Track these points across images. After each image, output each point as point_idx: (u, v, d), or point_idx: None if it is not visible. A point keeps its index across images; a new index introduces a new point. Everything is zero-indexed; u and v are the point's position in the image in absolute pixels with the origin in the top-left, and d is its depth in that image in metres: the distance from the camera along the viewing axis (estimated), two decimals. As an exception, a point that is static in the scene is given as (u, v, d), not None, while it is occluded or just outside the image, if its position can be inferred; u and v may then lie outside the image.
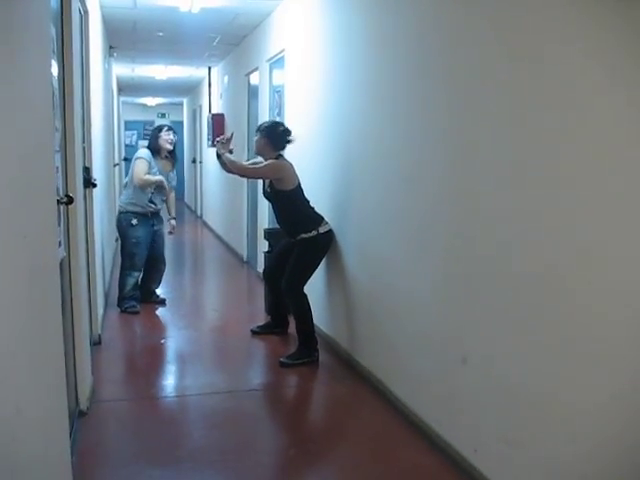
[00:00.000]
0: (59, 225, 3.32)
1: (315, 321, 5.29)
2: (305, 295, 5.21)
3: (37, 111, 2.63)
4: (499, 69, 3.08)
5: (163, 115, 22.05)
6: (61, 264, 3.52)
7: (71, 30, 3.85)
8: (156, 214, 6.89)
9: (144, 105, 20.95)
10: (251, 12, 7.65)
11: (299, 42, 6.54)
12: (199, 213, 16.13)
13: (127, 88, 16.21)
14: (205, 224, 14.58)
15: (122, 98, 17.73)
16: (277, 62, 7.65)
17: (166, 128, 6.91)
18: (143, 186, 6.59)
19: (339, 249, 5.30)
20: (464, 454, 3.39)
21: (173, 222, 7.24)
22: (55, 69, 3.40)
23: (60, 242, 3.36)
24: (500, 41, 3.08)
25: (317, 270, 5.34)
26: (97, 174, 5.96)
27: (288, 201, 5.28)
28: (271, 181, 5.30)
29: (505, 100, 3.04)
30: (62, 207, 3.42)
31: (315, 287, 5.47)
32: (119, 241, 6.78)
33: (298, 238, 5.25)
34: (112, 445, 3.91)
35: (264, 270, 6.00)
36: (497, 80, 3.10)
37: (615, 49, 2.39)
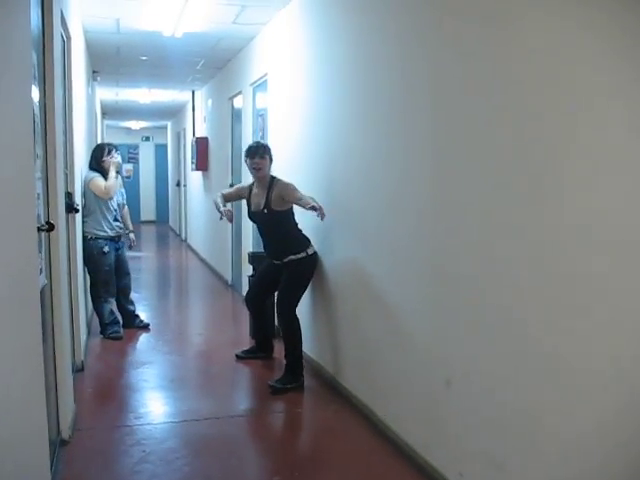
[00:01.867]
0: (40, 252, 3.29)
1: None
2: (297, 318, 5.20)
3: (17, 138, 2.61)
4: (482, 84, 3.09)
5: (147, 138, 22.07)
6: (42, 292, 3.48)
7: (53, 56, 3.84)
8: (119, 237, 6.87)
9: (128, 129, 20.94)
10: (234, 36, 7.67)
11: (282, 66, 6.57)
12: (183, 237, 16.08)
13: (111, 112, 16.20)
14: (190, 247, 14.53)
15: (106, 122, 17.72)
16: (260, 86, 7.67)
17: (109, 151, 6.75)
18: (110, 193, 6.55)
19: (323, 271, 5.29)
20: (449, 478, 3.37)
21: (132, 235, 7.21)
22: (36, 95, 3.38)
23: (41, 269, 3.33)
24: (485, 56, 3.09)
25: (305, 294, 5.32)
26: (80, 199, 5.94)
27: (284, 221, 5.26)
28: (269, 202, 5.22)
29: (490, 115, 3.05)
30: (43, 234, 3.38)
31: (299, 311, 5.45)
32: (86, 268, 6.57)
33: (286, 260, 5.22)
34: (95, 475, 3.83)
35: (246, 295, 5.94)
36: (480, 95, 3.11)
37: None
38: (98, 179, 6.56)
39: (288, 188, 5.17)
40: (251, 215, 5.50)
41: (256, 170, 5.29)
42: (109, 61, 9.28)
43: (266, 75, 7.23)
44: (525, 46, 2.76)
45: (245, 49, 8.29)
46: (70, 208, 5.05)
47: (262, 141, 5.76)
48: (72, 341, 5.16)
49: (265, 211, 5.25)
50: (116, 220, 6.72)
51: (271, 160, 5.37)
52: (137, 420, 4.55)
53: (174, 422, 4.57)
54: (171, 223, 19.75)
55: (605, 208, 2.35)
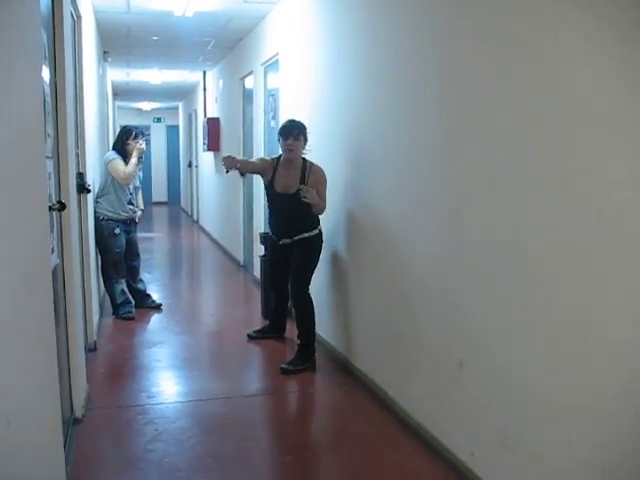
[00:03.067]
0: (52, 232, 3.30)
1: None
2: (311, 298, 5.19)
3: (27, 117, 2.60)
4: (485, 57, 3.06)
5: (159, 119, 22.07)
6: (55, 271, 3.49)
7: (63, 35, 3.82)
8: (133, 220, 6.87)
9: (140, 110, 20.93)
10: (245, 16, 7.63)
11: (293, 45, 6.53)
12: (195, 218, 16.09)
13: (122, 93, 16.17)
14: (201, 229, 14.55)
15: (117, 103, 17.70)
16: (271, 66, 7.63)
17: (135, 135, 6.73)
18: (128, 180, 6.56)
19: (337, 252, 5.28)
20: (461, 457, 3.37)
21: (139, 213, 7.09)
22: (47, 74, 3.37)
23: (53, 249, 3.34)
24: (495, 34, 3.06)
25: (315, 274, 5.31)
26: (91, 179, 5.94)
27: (305, 203, 5.10)
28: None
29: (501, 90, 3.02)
30: (55, 213, 3.38)
31: (314, 291, 5.44)
32: (97, 249, 6.57)
33: (297, 238, 5.17)
34: (108, 453, 3.88)
35: (270, 279, 5.81)
36: (488, 72, 3.08)
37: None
38: (118, 162, 6.56)
39: (322, 181, 5.13)
40: (274, 196, 5.30)
41: (289, 152, 5.15)
42: (120, 41, 9.26)
43: (277, 55, 7.19)
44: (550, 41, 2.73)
45: (256, 28, 8.25)
46: (82, 188, 5.04)
47: (297, 119, 5.41)
48: (85, 321, 5.19)
49: (293, 192, 5.10)
50: (130, 203, 6.73)
51: (306, 141, 5.20)
52: (149, 399, 4.57)
53: (186, 401, 4.58)
54: (183, 204, 19.77)
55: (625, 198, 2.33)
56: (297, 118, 5.44)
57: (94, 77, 7.25)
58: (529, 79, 2.79)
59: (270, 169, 5.31)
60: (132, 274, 6.99)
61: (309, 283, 5.20)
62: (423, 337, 3.84)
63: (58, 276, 3.68)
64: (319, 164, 5.17)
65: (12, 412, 2.06)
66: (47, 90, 3.30)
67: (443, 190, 3.57)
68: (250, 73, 8.76)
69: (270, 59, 7.60)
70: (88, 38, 6.43)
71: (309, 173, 5.12)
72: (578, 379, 2.54)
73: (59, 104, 3.77)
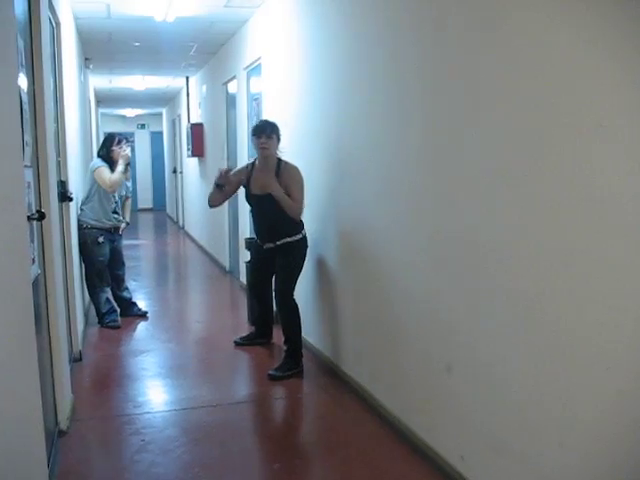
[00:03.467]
0: (32, 242, 3.24)
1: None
2: (296, 304, 5.14)
3: (3, 125, 2.56)
4: (469, 60, 3.04)
5: (143, 126, 21.99)
6: (36, 281, 3.44)
7: (41, 42, 3.77)
8: (117, 229, 6.78)
9: (123, 116, 20.86)
10: (227, 20, 7.59)
11: (276, 49, 6.50)
12: (181, 224, 16.03)
13: (105, 99, 16.10)
14: (187, 235, 14.48)
15: (101, 110, 17.62)
16: (254, 70, 7.60)
17: (118, 141, 6.66)
18: (114, 187, 6.49)
19: (323, 256, 5.25)
20: (451, 462, 3.34)
21: (123, 225, 6.93)
22: (24, 82, 3.32)
23: (34, 259, 3.28)
24: (481, 38, 3.04)
25: (301, 279, 5.27)
26: (74, 187, 5.88)
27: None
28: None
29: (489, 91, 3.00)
30: (35, 223, 3.33)
31: (299, 296, 5.41)
32: (81, 258, 6.51)
33: (280, 242, 5.10)
34: (93, 465, 3.82)
35: (250, 284, 5.83)
36: (474, 76, 3.06)
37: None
38: (103, 169, 6.50)
39: (295, 180, 5.06)
40: (252, 197, 5.26)
41: (262, 150, 5.13)
42: (101, 48, 9.20)
43: (260, 59, 7.16)
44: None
45: (238, 33, 8.21)
46: (64, 197, 5.00)
47: (270, 119, 5.49)
48: (69, 331, 5.13)
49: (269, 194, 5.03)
50: (115, 212, 6.67)
51: (279, 139, 5.18)
52: (136, 409, 4.51)
53: (173, 410, 4.53)
54: (168, 211, 19.70)
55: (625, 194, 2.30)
56: (279, 122, 5.40)
57: (75, 84, 7.19)
58: (516, 82, 2.77)
59: (245, 174, 5.34)
60: (117, 282, 6.93)
61: (293, 289, 5.15)
62: (410, 341, 3.81)
63: (40, 286, 3.62)
64: (300, 167, 5.13)
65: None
66: (25, 98, 3.24)
67: (426, 195, 3.54)
68: (233, 78, 8.73)
69: (252, 63, 7.56)
70: (68, 45, 6.37)
71: (282, 173, 5.08)
72: (568, 381, 2.51)
73: (38, 112, 3.71)
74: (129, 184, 7.08)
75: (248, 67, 7.82)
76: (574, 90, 2.41)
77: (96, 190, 6.51)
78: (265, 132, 5.11)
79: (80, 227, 6.35)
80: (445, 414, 3.44)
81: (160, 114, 20.42)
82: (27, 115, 3.28)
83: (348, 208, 4.73)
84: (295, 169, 5.10)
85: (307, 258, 5.22)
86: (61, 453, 3.72)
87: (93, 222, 6.46)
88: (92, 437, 4.11)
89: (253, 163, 5.33)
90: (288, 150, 5.31)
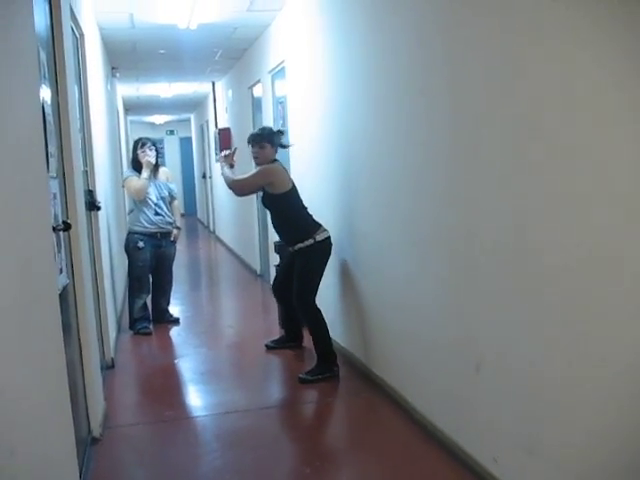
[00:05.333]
0: (60, 252, 3.27)
1: (331, 334, 5.19)
2: (317, 308, 5.11)
3: (27, 138, 2.58)
4: (503, 76, 3.01)
5: (172, 132, 22.16)
6: (65, 290, 3.48)
7: (64, 54, 3.80)
8: (165, 234, 6.76)
9: (152, 123, 21.02)
10: (249, 25, 7.61)
11: (299, 52, 6.50)
12: (212, 228, 16.10)
13: (134, 107, 16.24)
14: (218, 239, 14.55)
15: (130, 117, 17.78)
16: (278, 73, 7.61)
17: (141, 144, 6.70)
18: (140, 195, 6.52)
19: (350, 261, 5.22)
20: (484, 464, 3.30)
21: (175, 231, 6.92)
22: (48, 94, 3.35)
23: (61, 269, 3.31)
24: (509, 48, 3.00)
25: (330, 282, 5.25)
26: (103, 196, 5.94)
27: (283, 206, 5.20)
28: (263, 186, 5.25)
29: (509, 105, 2.96)
30: (62, 233, 3.36)
31: (328, 299, 5.40)
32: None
33: (296, 248, 5.15)
34: (126, 471, 3.84)
35: (272, 285, 5.86)
36: (502, 87, 3.02)
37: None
38: (131, 179, 6.62)
39: (257, 171, 5.25)
40: (262, 200, 5.51)
41: (254, 159, 5.34)
42: (127, 57, 9.27)
43: (283, 62, 7.16)
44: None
45: (261, 37, 8.23)
46: (92, 206, 5.04)
47: (267, 127, 5.75)
48: (101, 338, 5.18)
49: (263, 196, 5.31)
50: (158, 215, 6.63)
51: (273, 145, 5.31)
52: (168, 415, 4.53)
53: (206, 415, 4.55)
54: (199, 215, 19.80)
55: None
56: (304, 124, 5.39)
57: (102, 94, 7.26)
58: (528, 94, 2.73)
59: None
60: (163, 290, 6.99)
61: (312, 294, 5.11)
62: (439, 341, 3.78)
63: (69, 295, 3.66)
64: (321, 172, 5.17)
65: (16, 442, 2.02)
66: (48, 110, 3.27)
67: (452, 201, 3.51)
68: (258, 82, 8.74)
69: (277, 67, 7.57)
70: (93, 55, 6.43)
71: None
72: (597, 380, 2.47)
73: (62, 123, 3.74)
74: (172, 185, 6.96)
75: (272, 70, 7.83)
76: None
77: (131, 198, 6.66)
78: (256, 142, 5.29)
79: (127, 232, 6.65)
80: (476, 415, 3.40)
81: (188, 120, 20.55)
82: (51, 126, 3.31)
83: (374, 205, 4.69)
84: (266, 167, 5.23)
85: (333, 260, 5.20)
86: (94, 460, 3.74)
87: (134, 227, 6.61)
88: (124, 444, 4.13)
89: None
90: (307, 149, 5.33)
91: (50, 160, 3.20)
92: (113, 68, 9.87)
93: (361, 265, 5.02)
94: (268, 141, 5.28)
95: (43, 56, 3.29)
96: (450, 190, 3.53)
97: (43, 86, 3.21)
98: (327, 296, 5.20)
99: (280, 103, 7.62)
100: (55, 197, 3.31)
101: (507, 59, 2.93)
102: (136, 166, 6.65)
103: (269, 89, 8.10)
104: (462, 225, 3.44)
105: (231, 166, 5.54)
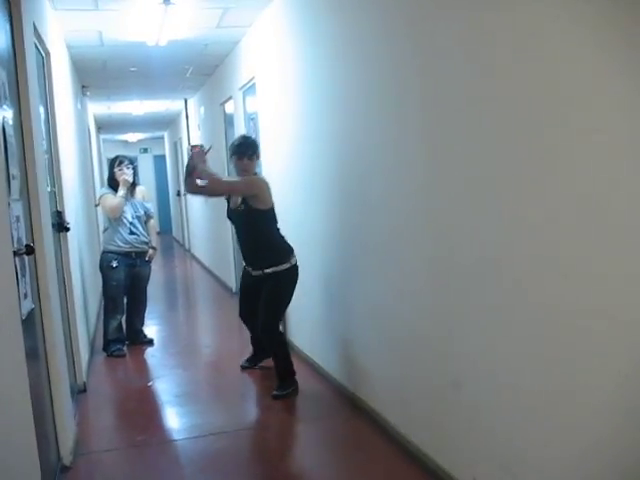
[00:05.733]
0: (24, 276, 3.18)
1: (307, 351, 5.11)
2: (282, 333, 5.01)
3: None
4: (472, 83, 2.97)
5: (145, 150, 22.03)
6: (31, 316, 3.38)
7: (26, 73, 3.71)
8: (140, 254, 6.64)
9: (125, 141, 20.88)
10: (220, 41, 7.56)
11: (268, 67, 6.46)
12: (187, 246, 15.98)
13: (106, 126, 16.11)
14: (193, 257, 14.43)
15: (102, 136, 17.64)
16: (249, 89, 7.56)
17: (119, 162, 6.57)
18: (115, 213, 6.41)
19: (334, 278, 5.14)
20: (463, 482, 3.24)
21: (150, 251, 6.77)
22: (9, 114, 3.27)
23: (26, 294, 3.22)
24: (478, 54, 2.97)
25: (311, 300, 5.15)
26: (73, 217, 5.84)
27: (262, 223, 4.91)
28: (244, 198, 4.90)
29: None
30: (27, 257, 3.26)
31: (308, 315, 5.32)
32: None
33: (267, 271, 4.91)
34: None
35: (240, 313, 5.55)
36: (472, 94, 2.99)
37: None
38: (107, 196, 6.53)
39: (238, 180, 5.01)
40: (229, 214, 5.17)
41: (243, 172, 4.99)
42: (97, 75, 9.18)
43: (254, 78, 7.11)
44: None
45: (232, 53, 8.19)
46: (60, 227, 4.94)
47: (250, 136, 5.45)
48: (72, 362, 5.07)
49: (241, 207, 4.94)
50: (133, 234, 6.52)
51: (258, 157, 5.14)
52: (142, 440, 4.42)
53: (181, 439, 4.43)
54: (175, 233, 19.66)
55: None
56: (277, 140, 5.28)
57: (71, 113, 7.17)
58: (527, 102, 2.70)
59: None
60: (137, 310, 6.88)
61: (279, 320, 5.02)
62: (416, 357, 3.72)
63: (35, 320, 3.56)
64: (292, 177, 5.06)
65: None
66: (10, 130, 3.19)
67: (433, 205, 3.47)
68: (230, 98, 8.70)
69: (247, 83, 7.53)
70: (62, 74, 6.35)
71: None
72: (584, 397, 2.42)
73: (26, 143, 3.66)
74: (148, 205, 6.82)
75: (243, 87, 7.78)
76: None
77: (107, 216, 6.57)
78: (247, 154, 4.98)
79: (101, 252, 6.62)
80: (455, 434, 3.34)
81: (162, 138, 20.43)
82: (13, 148, 3.22)
83: (352, 217, 4.64)
84: (250, 179, 4.97)
85: (316, 279, 5.12)
86: (64, 490, 3.64)
87: (108, 246, 6.52)
88: (96, 471, 4.02)
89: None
90: (280, 164, 5.24)
91: (12, 182, 3.11)
92: (83, 87, 9.77)
93: (346, 284, 4.93)
94: (257, 152, 5.07)
95: (3, 75, 3.21)
96: (424, 198, 3.49)
97: (4, 106, 3.14)
98: (307, 310, 5.11)
99: (252, 119, 7.56)
100: (18, 220, 3.22)
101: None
102: (112, 184, 6.55)
103: (240, 105, 8.05)
104: (440, 240, 3.39)
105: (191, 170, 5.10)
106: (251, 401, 5.40)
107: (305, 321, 5.32)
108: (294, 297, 5.05)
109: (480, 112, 2.89)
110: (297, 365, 5.19)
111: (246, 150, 4.99)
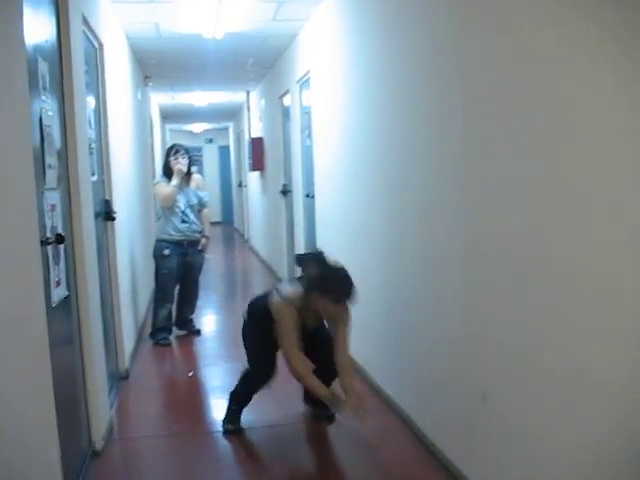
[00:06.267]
0: (57, 264, 3.25)
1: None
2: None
3: (13, 152, 2.56)
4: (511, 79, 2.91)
5: (210, 140, 22.31)
6: (66, 302, 3.46)
7: (71, 64, 3.78)
8: (192, 243, 6.68)
9: (191, 132, 21.15)
10: (277, 34, 7.59)
11: (322, 61, 6.45)
12: (246, 237, 16.11)
13: (171, 116, 16.34)
14: (251, 248, 14.52)
15: (169, 126, 17.91)
16: (305, 83, 7.57)
17: (175, 151, 6.63)
18: (167, 202, 6.49)
19: (371, 283, 5.12)
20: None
21: (203, 240, 6.81)
22: (49, 105, 3.33)
23: (59, 281, 3.29)
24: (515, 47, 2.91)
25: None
26: (125, 205, 5.95)
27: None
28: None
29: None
30: (62, 245, 3.33)
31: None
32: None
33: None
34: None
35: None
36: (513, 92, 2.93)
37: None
38: (160, 185, 6.63)
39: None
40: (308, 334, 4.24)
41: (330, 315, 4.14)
42: (158, 66, 9.31)
43: (309, 72, 7.12)
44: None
45: (290, 47, 8.21)
46: (108, 216, 5.04)
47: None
48: (115, 348, 5.17)
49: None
50: (185, 222, 6.56)
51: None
52: (177, 429, 4.46)
53: (216, 431, 4.42)
54: (236, 224, 19.83)
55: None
56: (327, 134, 5.20)
57: (129, 102, 7.28)
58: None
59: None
60: (185, 300, 6.93)
61: None
62: (447, 364, 3.67)
63: (71, 307, 3.64)
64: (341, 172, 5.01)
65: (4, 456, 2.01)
66: (48, 121, 3.26)
67: (460, 215, 3.42)
68: (287, 92, 8.72)
69: (303, 77, 7.54)
70: (120, 65, 6.46)
71: None
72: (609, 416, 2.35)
73: (68, 133, 3.73)
74: (202, 194, 6.80)
75: (300, 80, 7.79)
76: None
77: (160, 205, 6.66)
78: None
79: (155, 241, 6.70)
80: (481, 446, 3.29)
81: (227, 129, 20.64)
82: (51, 138, 3.29)
83: (392, 220, 4.61)
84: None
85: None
86: (93, 474, 3.70)
87: (160, 234, 6.61)
88: (125, 458, 4.09)
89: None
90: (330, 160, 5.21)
91: (48, 172, 3.19)
92: (146, 77, 9.93)
93: (385, 288, 4.91)
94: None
95: (45, 67, 3.28)
96: (457, 204, 3.44)
97: (42, 97, 3.21)
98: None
99: (306, 113, 7.57)
100: (54, 209, 3.29)
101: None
102: (167, 173, 6.62)
103: (297, 99, 8.06)
104: (469, 247, 3.34)
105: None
106: (294, 396, 5.38)
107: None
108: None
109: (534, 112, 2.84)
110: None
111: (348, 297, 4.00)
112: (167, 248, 6.53)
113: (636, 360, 2.15)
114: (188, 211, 6.62)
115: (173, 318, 6.82)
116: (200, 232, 6.75)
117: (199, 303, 7.18)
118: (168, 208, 6.52)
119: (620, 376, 2.23)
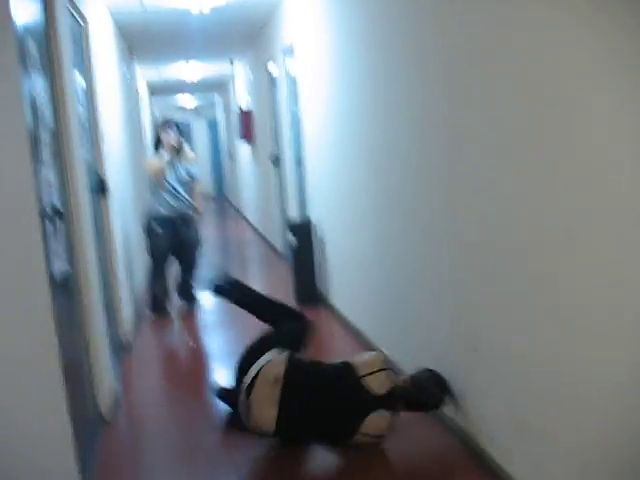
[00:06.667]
0: (55, 239, 3.32)
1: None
2: None
3: (5, 130, 2.62)
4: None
5: (199, 114, 22.25)
6: (67, 277, 3.53)
7: (59, 43, 3.82)
8: (184, 219, 6.64)
9: (179, 106, 21.09)
10: (260, 4, 7.58)
11: (306, 32, 6.47)
12: (238, 208, 16.18)
13: (158, 90, 16.26)
14: (245, 218, 14.58)
15: (156, 99, 17.82)
16: (289, 51, 7.57)
17: (165, 126, 6.64)
18: (158, 176, 6.48)
19: (361, 241, 5.20)
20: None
21: (196, 216, 6.80)
22: (39, 84, 3.38)
23: (59, 256, 3.36)
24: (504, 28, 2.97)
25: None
26: (117, 180, 6.00)
27: None
28: None
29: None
30: (58, 221, 3.40)
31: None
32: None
33: None
34: (133, 453, 3.91)
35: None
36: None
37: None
38: (151, 159, 6.71)
39: None
40: None
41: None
42: (144, 40, 9.29)
43: (294, 40, 7.13)
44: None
45: (275, 15, 8.19)
46: (101, 191, 5.09)
47: None
48: (115, 322, 5.25)
49: None
50: (176, 198, 6.55)
51: None
52: (180, 397, 4.58)
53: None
54: (228, 196, 19.86)
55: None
56: (316, 105, 5.23)
57: (116, 78, 7.29)
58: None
59: None
60: (189, 268, 6.91)
61: None
62: (436, 320, 3.77)
63: (72, 281, 3.71)
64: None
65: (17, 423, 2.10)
66: (40, 100, 3.31)
67: (445, 171, 3.49)
68: (272, 60, 8.73)
69: (288, 46, 7.54)
70: (104, 40, 6.47)
71: None
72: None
73: (59, 110, 3.77)
74: (193, 168, 6.73)
75: (285, 49, 7.79)
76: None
77: (151, 180, 6.66)
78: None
79: (146, 217, 6.67)
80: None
81: (214, 102, 20.56)
82: (43, 115, 3.35)
83: (383, 192, 4.68)
84: None
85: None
86: (102, 443, 3.80)
87: (152, 211, 6.60)
88: (133, 427, 4.20)
89: None
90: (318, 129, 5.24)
91: (43, 148, 3.25)
92: (131, 52, 9.91)
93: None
94: None
95: (33, 46, 3.32)
96: (446, 187, 3.51)
97: (33, 76, 3.25)
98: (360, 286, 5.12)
99: (293, 82, 7.59)
100: (50, 185, 3.35)
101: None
102: (158, 146, 6.65)
103: (282, 67, 8.08)
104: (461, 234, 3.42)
105: None
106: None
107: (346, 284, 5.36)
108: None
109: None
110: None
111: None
112: (158, 224, 6.51)
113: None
114: (178, 186, 6.60)
115: (169, 291, 6.85)
116: (191, 207, 6.73)
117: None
118: (159, 183, 6.53)
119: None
